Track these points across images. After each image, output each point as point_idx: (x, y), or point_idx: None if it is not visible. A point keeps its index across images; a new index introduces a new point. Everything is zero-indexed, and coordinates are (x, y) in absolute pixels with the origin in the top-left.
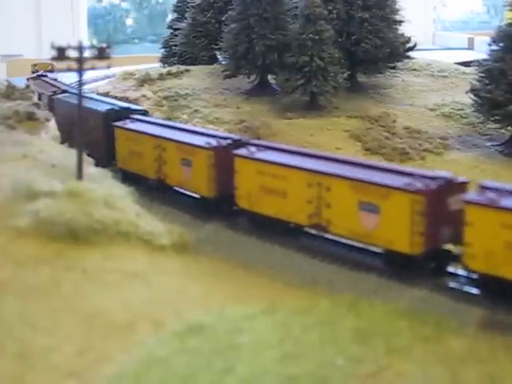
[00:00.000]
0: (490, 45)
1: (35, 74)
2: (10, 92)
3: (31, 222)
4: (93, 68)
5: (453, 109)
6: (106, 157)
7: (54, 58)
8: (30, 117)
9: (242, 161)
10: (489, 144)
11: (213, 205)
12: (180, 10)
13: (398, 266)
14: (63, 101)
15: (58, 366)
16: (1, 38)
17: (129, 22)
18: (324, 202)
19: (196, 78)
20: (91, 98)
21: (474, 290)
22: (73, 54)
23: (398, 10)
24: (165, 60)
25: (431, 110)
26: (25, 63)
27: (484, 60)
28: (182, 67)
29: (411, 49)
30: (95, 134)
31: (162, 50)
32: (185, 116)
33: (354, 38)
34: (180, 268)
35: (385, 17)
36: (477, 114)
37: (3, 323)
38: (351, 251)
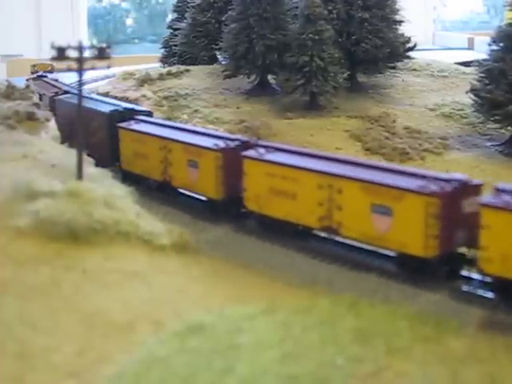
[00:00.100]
0: (490, 45)
1: (35, 75)
2: (10, 92)
3: (31, 222)
4: (93, 68)
5: (453, 109)
6: (109, 158)
7: (53, 58)
8: (30, 117)
9: (251, 162)
10: (489, 144)
11: (220, 207)
12: (180, 10)
13: (410, 270)
14: (65, 102)
15: (58, 365)
16: (1, 37)
17: (129, 22)
18: (335, 205)
19: (196, 78)
20: (94, 99)
21: (489, 294)
22: (73, 54)
23: (398, 10)
24: (165, 60)
25: (431, 110)
26: (25, 63)
27: (484, 60)
28: (182, 67)
29: (411, 49)
30: (99, 136)
31: (162, 50)
32: (185, 116)
33: (353, 37)
34: (180, 268)
35: (385, 17)
36: (477, 114)
37: (3, 323)
38: (361, 254)
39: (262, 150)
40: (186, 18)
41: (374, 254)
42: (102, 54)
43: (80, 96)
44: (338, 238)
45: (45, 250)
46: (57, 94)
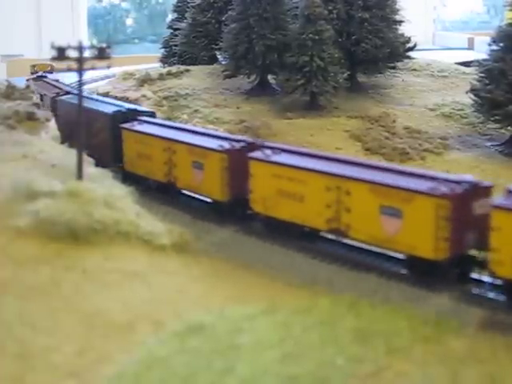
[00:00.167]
0: (490, 45)
1: (35, 75)
2: (10, 92)
3: (31, 222)
4: (93, 68)
5: (453, 109)
6: (112, 159)
7: (53, 58)
8: (30, 117)
9: (257, 164)
10: (489, 144)
11: (226, 209)
12: (180, 9)
13: (420, 272)
14: (67, 102)
15: (58, 365)
16: (1, 37)
17: (129, 22)
18: (343, 206)
19: (196, 78)
20: (97, 100)
21: (501, 297)
22: (73, 54)
23: (398, 10)
24: (165, 60)
25: (431, 109)
26: (25, 63)
27: (484, 60)
28: (182, 67)
29: (411, 49)
30: (102, 137)
31: (162, 50)
32: (185, 116)
33: (353, 38)
34: (180, 268)
35: (385, 17)
36: (477, 114)
37: (3, 323)
38: (369, 256)
39: (268, 152)
40: (186, 18)
41: (383, 256)
42: (101, 54)
43: (80, 96)
44: (345, 240)
45: (45, 250)
46: (58, 94)
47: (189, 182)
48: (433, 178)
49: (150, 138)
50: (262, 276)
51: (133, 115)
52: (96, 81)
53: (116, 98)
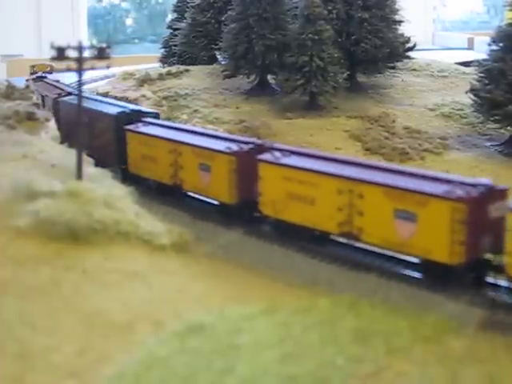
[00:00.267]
0: (489, 45)
1: (35, 76)
2: (10, 92)
3: (31, 222)
4: (92, 68)
5: (453, 109)
6: (116, 161)
7: (53, 58)
8: (30, 117)
9: (266, 166)
10: (488, 144)
11: (233, 211)
12: (180, 9)
13: (435, 277)
14: (69, 103)
15: (58, 365)
16: (1, 38)
17: (129, 22)
18: (356, 210)
19: (196, 78)
20: (100, 101)
21: None
22: (72, 54)
23: (397, 10)
24: (165, 60)
25: (431, 110)
26: (25, 63)
27: (484, 60)
28: (182, 67)
29: (411, 49)
30: (105, 138)
31: (162, 50)
32: (184, 116)
33: (353, 38)
34: (180, 268)
35: (384, 17)
36: (476, 114)
37: (3, 323)
38: (379, 259)
39: (277, 154)
40: (185, 18)
41: (395, 259)
42: (101, 54)
43: (80, 96)
44: (357, 244)
45: (45, 250)
46: (60, 95)
47: (195, 185)
48: (448, 181)
49: (156, 139)
50: (262, 276)
51: (137, 116)
52: (96, 81)
53: (116, 97)
